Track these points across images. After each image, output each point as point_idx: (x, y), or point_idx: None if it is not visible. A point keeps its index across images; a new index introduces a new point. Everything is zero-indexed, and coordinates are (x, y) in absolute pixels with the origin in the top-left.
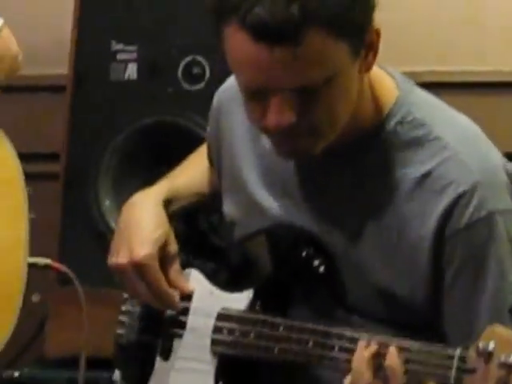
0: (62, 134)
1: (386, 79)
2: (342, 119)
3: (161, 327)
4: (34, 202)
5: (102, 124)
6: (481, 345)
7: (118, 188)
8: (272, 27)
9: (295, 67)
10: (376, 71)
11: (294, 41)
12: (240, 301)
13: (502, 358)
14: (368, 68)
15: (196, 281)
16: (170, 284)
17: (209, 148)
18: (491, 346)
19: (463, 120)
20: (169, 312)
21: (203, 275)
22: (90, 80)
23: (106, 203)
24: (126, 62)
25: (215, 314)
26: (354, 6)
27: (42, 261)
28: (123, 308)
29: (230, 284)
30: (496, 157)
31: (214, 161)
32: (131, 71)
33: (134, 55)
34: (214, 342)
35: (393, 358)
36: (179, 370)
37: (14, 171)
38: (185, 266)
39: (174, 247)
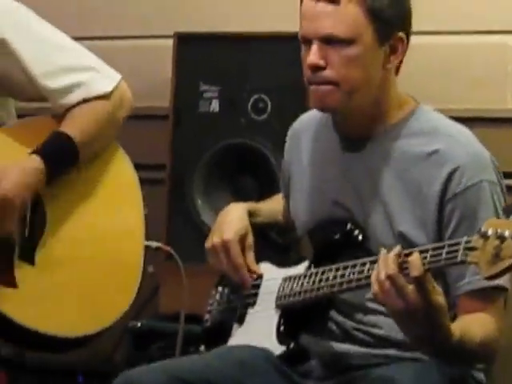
0: (166, 150)
1: (408, 96)
2: (357, 86)
3: (239, 302)
4: (146, 201)
5: (194, 144)
6: (483, 229)
7: (207, 191)
8: None
9: (329, 20)
10: (402, 91)
11: (333, 2)
12: (299, 270)
13: (499, 231)
14: (387, 65)
15: (265, 268)
16: (247, 267)
17: (282, 172)
18: (490, 231)
19: (462, 126)
20: (246, 290)
21: (270, 264)
22: (184, 111)
23: (199, 202)
24: (210, 98)
25: (280, 281)
26: (390, 5)
27: (154, 244)
28: (209, 301)
29: (291, 263)
30: (485, 150)
31: (286, 179)
32: (214, 105)
33: (216, 94)
34: (278, 299)
35: (415, 254)
36: (249, 321)
37: (132, 177)
38: (257, 261)
39: (251, 239)
